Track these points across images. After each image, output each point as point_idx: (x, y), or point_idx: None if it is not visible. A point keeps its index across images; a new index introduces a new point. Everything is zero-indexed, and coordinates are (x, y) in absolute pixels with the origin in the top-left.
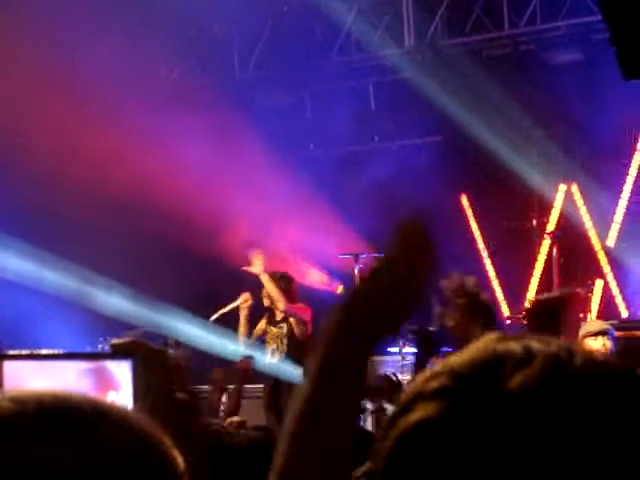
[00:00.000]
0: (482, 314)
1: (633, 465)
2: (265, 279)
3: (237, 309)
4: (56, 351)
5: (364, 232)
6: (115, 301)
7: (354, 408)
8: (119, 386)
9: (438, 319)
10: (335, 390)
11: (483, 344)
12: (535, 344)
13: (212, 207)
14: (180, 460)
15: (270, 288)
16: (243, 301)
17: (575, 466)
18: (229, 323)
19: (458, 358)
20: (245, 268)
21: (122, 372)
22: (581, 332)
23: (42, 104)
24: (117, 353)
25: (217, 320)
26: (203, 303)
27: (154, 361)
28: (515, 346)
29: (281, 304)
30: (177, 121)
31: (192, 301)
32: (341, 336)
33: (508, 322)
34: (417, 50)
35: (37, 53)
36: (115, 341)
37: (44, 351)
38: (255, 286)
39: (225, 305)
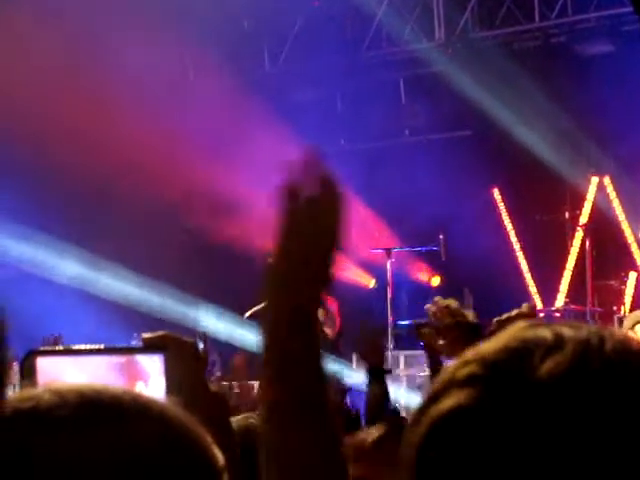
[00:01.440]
0: (470, 334)
1: None
2: None
3: None
4: (89, 346)
5: (396, 226)
6: (152, 298)
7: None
8: (150, 379)
9: (426, 340)
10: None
11: (514, 331)
12: (566, 330)
13: (247, 204)
14: (219, 456)
15: None
16: None
17: (604, 453)
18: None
19: (489, 345)
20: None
21: (154, 366)
22: (626, 323)
23: (64, 96)
24: (149, 347)
25: (250, 317)
26: (237, 299)
27: (186, 355)
28: (545, 332)
29: None
30: (207, 118)
31: (226, 297)
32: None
33: (541, 316)
34: (448, 43)
35: (60, 49)
36: (146, 335)
37: (77, 346)
38: None
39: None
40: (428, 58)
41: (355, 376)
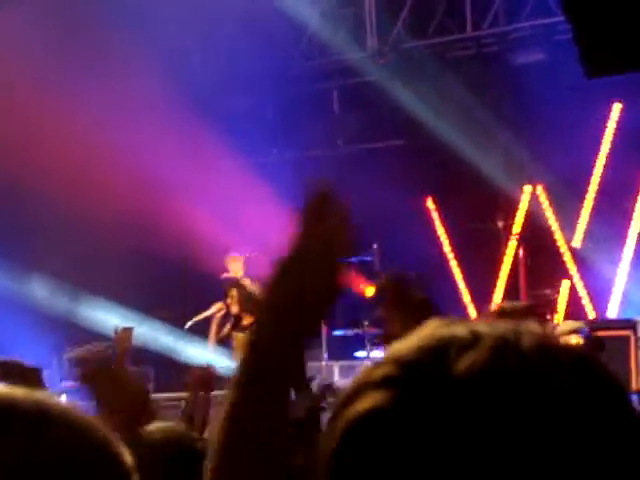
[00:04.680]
0: (417, 310)
1: (576, 449)
2: (247, 282)
3: (210, 317)
4: None
5: None
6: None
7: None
8: None
9: (379, 326)
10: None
11: (428, 330)
12: (482, 327)
13: (180, 213)
14: (128, 457)
15: (253, 290)
16: (216, 310)
17: (522, 449)
18: (199, 331)
19: (403, 345)
20: (225, 275)
21: None
22: (560, 329)
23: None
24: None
25: (190, 328)
26: (174, 311)
27: (28, 381)
28: (461, 330)
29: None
30: (144, 130)
31: (164, 308)
32: (269, 336)
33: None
34: (380, 53)
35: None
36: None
37: None
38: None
39: (198, 313)
40: (361, 68)
41: None
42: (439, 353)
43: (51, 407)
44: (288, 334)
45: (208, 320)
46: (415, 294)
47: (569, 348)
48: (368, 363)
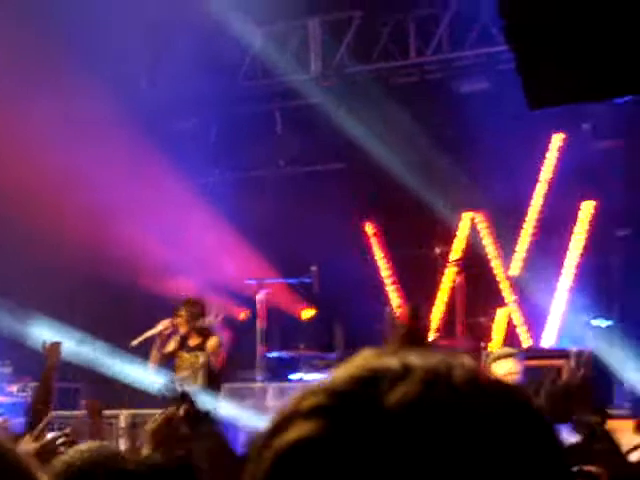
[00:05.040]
0: (408, 338)
1: None
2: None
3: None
4: None
5: (268, 257)
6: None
7: None
8: None
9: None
10: None
11: (360, 360)
12: (413, 359)
13: (127, 233)
14: (44, 478)
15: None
16: (163, 328)
17: None
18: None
19: (334, 375)
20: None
21: None
22: (488, 358)
23: None
24: None
25: (135, 347)
26: (116, 331)
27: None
28: (392, 361)
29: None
30: (92, 151)
31: (106, 329)
32: None
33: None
34: (323, 76)
35: None
36: None
37: None
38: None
39: (142, 332)
40: (304, 90)
41: (220, 407)
42: (370, 384)
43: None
44: None
45: (150, 341)
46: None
47: (499, 382)
48: (298, 390)
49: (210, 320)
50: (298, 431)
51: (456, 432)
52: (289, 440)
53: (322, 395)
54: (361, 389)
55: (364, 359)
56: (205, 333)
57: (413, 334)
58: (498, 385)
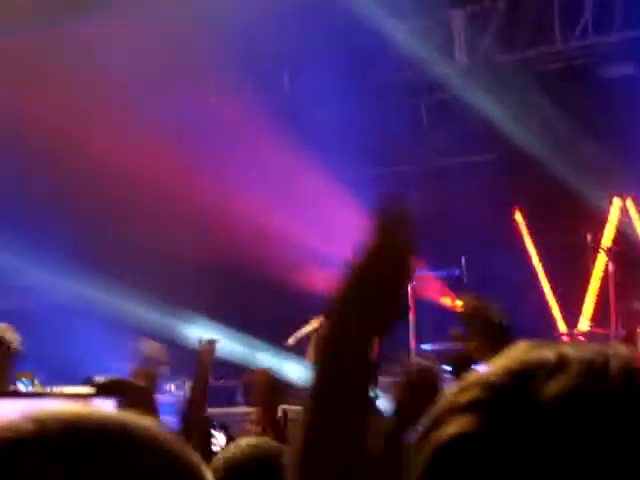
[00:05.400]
0: (496, 335)
1: None
2: None
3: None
4: (38, 390)
5: (417, 251)
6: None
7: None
8: None
9: (457, 342)
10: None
11: (515, 353)
12: (569, 350)
13: (271, 228)
14: (209, 476)
15: None
16: (318, 325)
17: (611, 476)
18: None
19: (490, 369)
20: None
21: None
22: None
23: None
24: (100, 392)
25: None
26: (269, 327)
27: (139, 400)
28: (548, 353)
29: None
30: (229, 143)
31: (259, 326)
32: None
33: (564, 339)
34: (469, 67)
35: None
36: (99, 380)
37: (26, 389)
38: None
39: (295, 330)
40: (449, 82)
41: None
42: (527, 377)
43: (134, 426)
44: (358, 334)
45: (305, 338)
46: (497, 320)
47: None
48: (455, 384)
49: None
50: (456, 426)
51: (614, 426)
52: (447, 435)
53: (479, 389)
54: (517, 383)
55: (520, 352)
56: None
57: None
58: None
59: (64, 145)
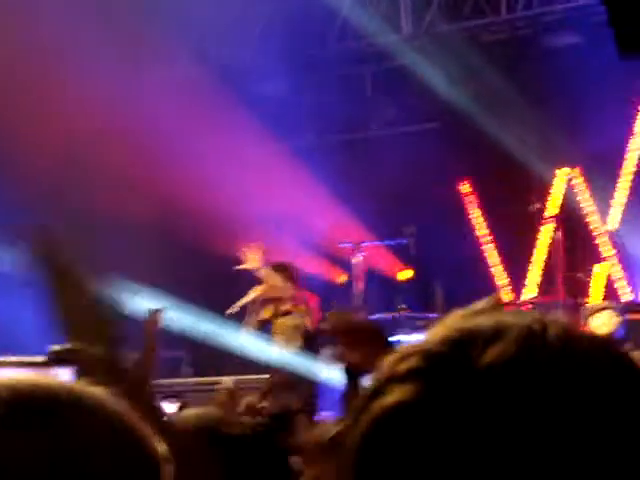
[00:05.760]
0: (374, 338)
1: (607, 442)
2: (265, 272)
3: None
4: None
5: (364, 220)
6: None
7: None
8: None
9: (341, 361)
10: None
11: (452, 321)
12: (507, 318)
13: (219, 199)
14: (160, 447)
15: (273, 281)
16: (257, 295)
17: (547, 442)
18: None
19: (428, 337)
20: (239, 267)
21: (64, 378)
22: (585, 312)
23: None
24: (56, 360)
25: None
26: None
27: (96, 369)
28: (486, 321)
29: (289, 292)
30: (180, 116)
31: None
32: None
33: (510, 308)
34: (414, 36)
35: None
36: (55, 348)
37: None
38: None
39: (238, 298)
40: (395, 51)
41: (329, 373)
42: (464, 345)
43: (85, 396)
44: None
45: (244, 306)
46: (362, 321)
47: (594, 338)
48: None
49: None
50: (394, 395)
51: (551, 392)
52: (385, 405)
53: (416, 358)
54: (455, 351)
55: (457, 320)
56: (295, 296)
57: None
58: (593, 341)
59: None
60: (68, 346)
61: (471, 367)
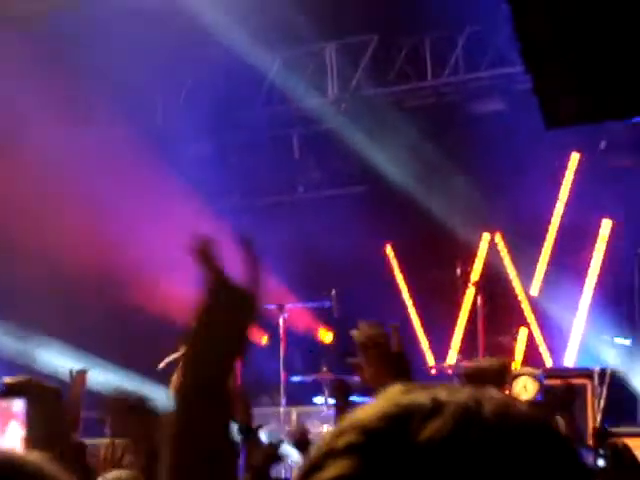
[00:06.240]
0: (393, 364)
1: None
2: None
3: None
4: None
5: (288, 282)
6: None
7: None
8: (19, 418)
9: (353, 370)
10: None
11: (390, 396)
12: (443, 393)
13: (139, 258)
14: None
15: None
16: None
17: None
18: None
19: (365, 412)
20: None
21: (17, 408)
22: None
23: None
24: (9, 392)
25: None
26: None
27: (47, 400)
28: (422, 397)
29: None
30: (103, 174)
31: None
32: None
33: (433, 372)
34: (341, 100)
35: None
36: (8, 380)
37: None
38: None
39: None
40: (322, 115)
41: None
42: (402, 421)
43: (23, 464)
44: (209, 371)
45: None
46: (391, 346)
47: (529, 414)
48: (329, 428)
49: None
50: (333, 470)
51: (487, 468)
52: (325, 479)
53: (354, 433)
54: (392, 426)
55: (394, 395)
56: None
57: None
58: (526, 416)
59: None
60: (20, 378)
61: (409, 443)
